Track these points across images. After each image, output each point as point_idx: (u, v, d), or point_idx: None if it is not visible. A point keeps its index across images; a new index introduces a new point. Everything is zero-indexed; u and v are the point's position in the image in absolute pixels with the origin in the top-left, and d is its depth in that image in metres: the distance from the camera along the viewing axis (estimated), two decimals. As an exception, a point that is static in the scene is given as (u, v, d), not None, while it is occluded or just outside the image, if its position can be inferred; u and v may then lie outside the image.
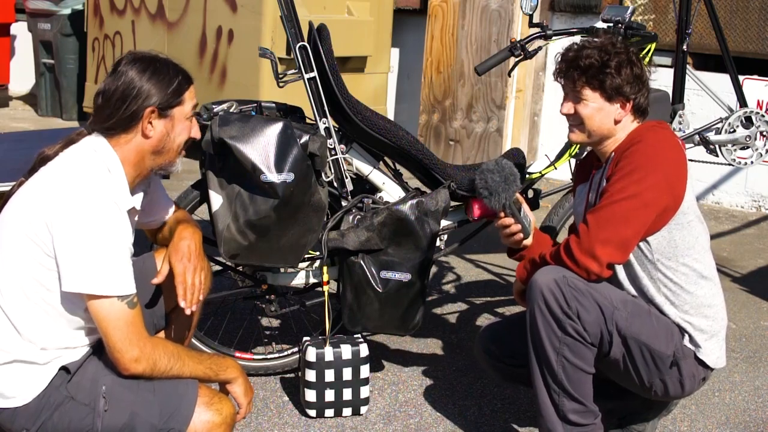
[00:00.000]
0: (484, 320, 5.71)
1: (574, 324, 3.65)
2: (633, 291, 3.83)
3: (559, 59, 3.90)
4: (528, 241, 4.05)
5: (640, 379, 3.80)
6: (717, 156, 5.60)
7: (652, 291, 3.80)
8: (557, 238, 5.01)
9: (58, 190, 3.25)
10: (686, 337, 3.80)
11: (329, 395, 4.39)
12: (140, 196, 3.56)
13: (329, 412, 4.42)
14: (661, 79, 5.67)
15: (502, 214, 3.98)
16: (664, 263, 3.78)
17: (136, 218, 3.58)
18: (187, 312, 3.57)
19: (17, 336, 3.29)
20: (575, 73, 3.81)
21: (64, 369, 3.36)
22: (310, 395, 4.39)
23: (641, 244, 3.76)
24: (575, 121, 3.86)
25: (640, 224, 3.69)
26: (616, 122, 3.82)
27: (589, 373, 3.74)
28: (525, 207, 4.06)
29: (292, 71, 4.63)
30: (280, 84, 4.70)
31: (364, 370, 4.43)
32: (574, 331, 3.66)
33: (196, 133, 3.58)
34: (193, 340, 4.37)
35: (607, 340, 3.70)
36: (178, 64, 3.51)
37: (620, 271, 3.83)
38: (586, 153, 4.15)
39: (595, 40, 3.88)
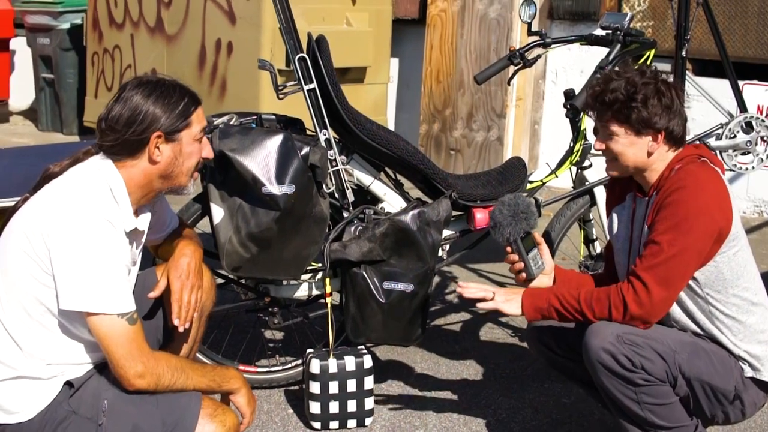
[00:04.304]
0: (488, 330, 5.70)
1: (641, 375, 3.63)
2: (689, 323, 3.80)
3: (587, 93, 3.82)
4: (537, 284, 3.95)
5: (702, 413, 3.79)
6: (718, 164, 5.60)
7: (707, 324, 3.77)
8: (557, 246, 5.00)
9: (57, 208, 3.26)
10: (746, 366, 3.78)
11: (334, 407, 4.38)
12: (147, 216, 3.56)
13: (334, 424, 4.41)
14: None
15: (508, 249, 3.92)
16: (714, 296, 3.74)
17: (143, 238, 3.58)
18: (180, 329, 3.58)
19: (20, 352, 3.30)
20: (602, 108, 3.72)
21: (68, 384, 3.37)
22: (315, 407, 4.38)
23: (690, 281, 3.72)
24: (608, 156, 3.79)
25: (692, 272, 3.68)
26: (650, 154, 3.74)
27: (674, 402, 3.72)
28: (542, 250, 3.98)
29: (292, 83, 4.63)
30: (280, 96, 4.69)
31: (369, 382, 4.42)
32: (644, 380, 3.63)
33: (208, 153, 3.57)
34: (198, 354, 4.36)
35: (671, 382, 3.68)
36: (185, 86, 3.48)
37: (673, 306, 3.78)
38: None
39: (621, 70, 3.78)
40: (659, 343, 3.65)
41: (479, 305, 3.89)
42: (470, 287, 3.88)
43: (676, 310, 3.77)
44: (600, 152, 3.84)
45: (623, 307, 3.65)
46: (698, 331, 3.78)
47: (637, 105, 3.66)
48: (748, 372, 3.77)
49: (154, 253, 3.93)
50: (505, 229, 3.84)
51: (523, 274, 3.93)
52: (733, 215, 3.70)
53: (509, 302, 3.84)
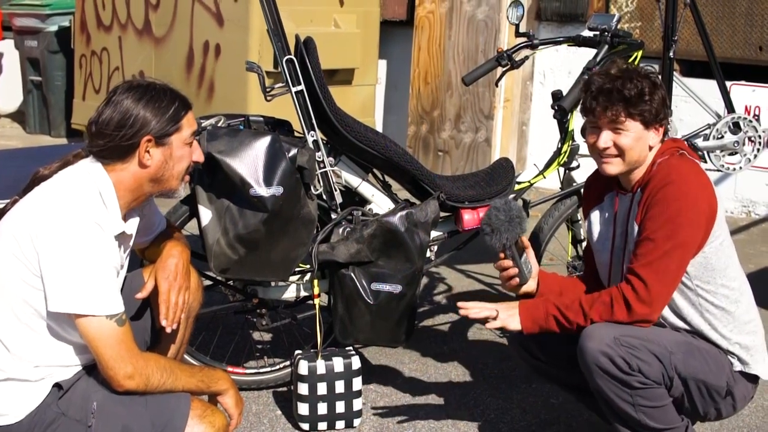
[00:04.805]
0: (476, 331, 5.71)
1: (638, 377, 3.63)
2: (677, 322, 3.81)
3: (590, 92, 3.75)
4: (526, 288, 3.94)
5: (696, 410, 3.80)
6: (705, 162, 5.62)
7: (696, 319, 3.79)
8: (545, 247, 5.01)
9: (46, 210, 3.26)
10: (735, 360, 3.80)
11: (322, 408, 4.38)
12: (135, 221, 3.56)
13: (322, 426, 4.41)
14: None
15: (502, 255, 3.89)
16: (703, 287, 3.76)
17: (131, 242, 3.58)
18: (168, 330, 3.59)
19: (8, 354, 3.30)
20: (618, 104, 3.69)
21: (57, 386, 3.37)
22: (303, 408, 4.38)
23: None
24: (613, 153, 3.75)
25: (686, 264, 3.70)
26: (650, 148, 3.76)
27: (668, 403, 3.72)
28: (530, 254, 3.95)
29: (280, 85, 4.62)
30: (268, 98, 4.69)
31: (357, 383, 4.42)
32: (640, 383, 3.64)
33: (198, 157, 3.57)
34: (185, 356, 4.36)
35: (668, 383, 3.68)
36: (175, 90, 3.48)
37: None
38: (591, 175, 4.07)
39: (614, 67, 3.77)
40: (655, 345, 3.65)
41: (487, 325, 3.85)
42: (473, 308, 3.82)
43: (664, 309, 3.78)
44: (602, 150, 3.78)
45: (626, 306, 3.65)
46: (687, 328, 3.80)
47: (648, 98, 3.69)
48: (737, 366, 3.79)
49: (141, 256, 3.93)
50: (503, 234, 3.81)
51: (516, 279, 3.90)
52: (717, 203, 3.73)
53: (511, 317, 3.81)
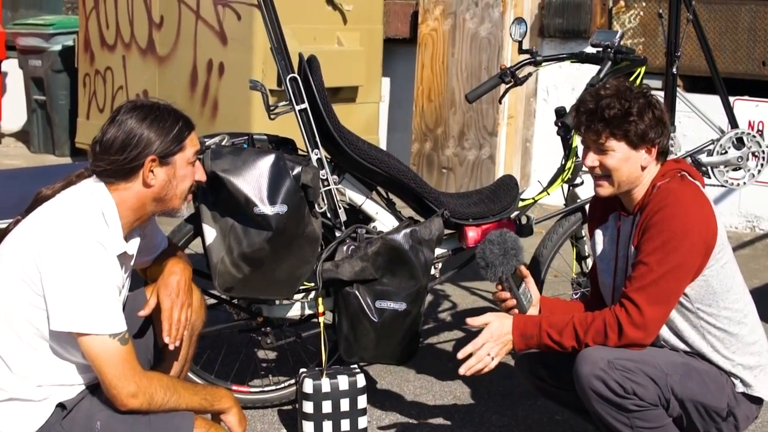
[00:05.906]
0: (481, 347, 5.69)
1: (633, 401, 3.60)
2: (678, 344, 3.78)
3: (578, 111, 3.75)
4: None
5: (696, 431, 3.76)
6: (709, 177, 5.61)
7: (697, 341, 3.75)
8: (549, 265, 5.00)
9: (48, 230, 3.26)
10: (737, 382, 3.76)
11: (327, 427, 4.37)
12: (136, 241, 3.56)
13: (327, 444, 4.41)
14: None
15: (499, 287, 3.89)
16: (705, 311, 3.72)
17: (132, 262, 3.58)
18: (171, 347, 3.58)
19: (11, 374, 3.30)
20: (599, 125, 3.66)
21: (61, 406, 3.36)
22: (308, 427, 4.37)
23: (680, 297, 3.71)
24: (602, 173, 3.73)
25: (683, 289, 3.67)
26: (643, 168, 3.72)
27: (667, 423, 3.69)
28: (529, 283, 3.93)
29: (283, 103, 4.63)
30: (272, 116, 4.70)
31: (362, 401, 4.42)
32: (636, 406, 3.61)
33: (201, 176, 3.58)
34: (190, 374, 4.36)
35: (664, 405, 3.66)
36: (178, 110, 3.50)
37: (662, 327, 3.76)
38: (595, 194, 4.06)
39: (608, 86, 3.74)
40: (651, 367, 3.63)
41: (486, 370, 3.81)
42: (471, 367, 3.76)
43: (664, 330, 3.75)
44: (591, 170, 3.79)
45: (619, 330, 3.62)
46: (687, 349, 3.77)
47: (634, 119, 3.64)
48: (740, 387, 3.76)
49: (143, 275, 3.93)
50: (498, 268, 3.79)
51: (515, 310, 3.89)
52: (717, 227, 3.70)
53: (505, 347, 3.77)
